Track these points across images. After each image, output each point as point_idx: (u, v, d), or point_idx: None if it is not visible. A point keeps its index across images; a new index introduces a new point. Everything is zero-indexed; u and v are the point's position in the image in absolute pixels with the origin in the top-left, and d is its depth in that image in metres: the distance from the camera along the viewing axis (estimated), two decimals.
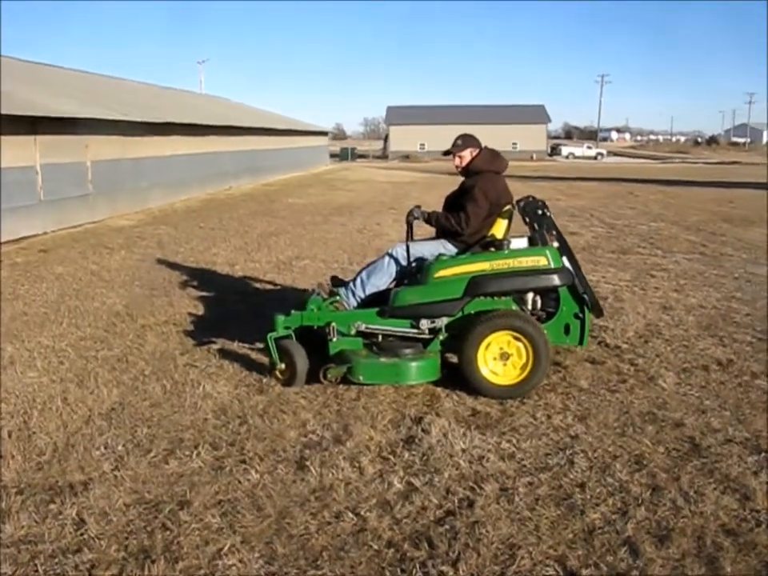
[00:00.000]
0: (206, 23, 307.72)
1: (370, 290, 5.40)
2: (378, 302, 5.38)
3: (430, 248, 5.38)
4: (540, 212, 5.28)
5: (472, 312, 5.11)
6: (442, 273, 5.08)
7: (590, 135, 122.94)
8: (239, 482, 3.78)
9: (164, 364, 5.71)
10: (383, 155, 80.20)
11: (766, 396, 5.03)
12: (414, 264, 5.32)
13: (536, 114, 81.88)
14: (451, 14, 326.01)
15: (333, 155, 56.10)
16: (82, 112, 14.93)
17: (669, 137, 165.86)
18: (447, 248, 5.36)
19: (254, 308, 7.59)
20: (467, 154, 5.52)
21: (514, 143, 78.61)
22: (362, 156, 77.51)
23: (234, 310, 7.44)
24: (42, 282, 8.84)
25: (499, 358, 5.05)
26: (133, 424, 4.52)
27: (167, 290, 8.38)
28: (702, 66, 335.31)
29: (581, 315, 5.24)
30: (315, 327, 5.33)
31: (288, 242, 12.44)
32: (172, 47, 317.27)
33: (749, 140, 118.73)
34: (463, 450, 4.17)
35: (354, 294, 5.43)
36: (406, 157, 71.55)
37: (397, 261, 5.36)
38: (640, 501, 3.60)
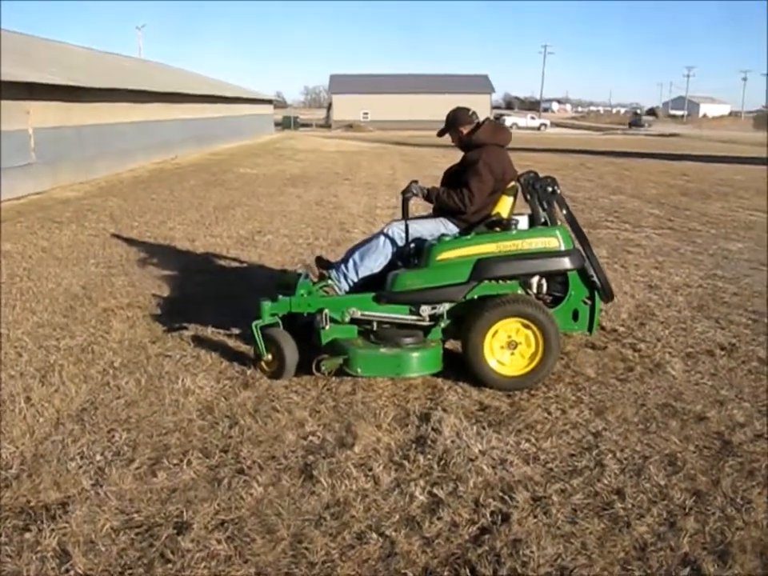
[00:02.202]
0: None
1: (363, 272, 4.96)
2: (370, 286, 4.95)
3: (429, 227, 4.95)
4: (550, 189, 4.90)
5: (476, 297, 4.73)
6: (445, 255, 4.66)
7: (531, 106, 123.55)
8: (241, 497, 3.34)
9: (134, 354, 5.19)
10: (326, 124, 79.10)
11: None
12: (412, 245, 4.89)
13: (480, 84, 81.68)
14: None
15: (276, 124, 54.87)
16: (21, 75, 13.93)
17: (609, 108, 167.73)
18: (448, 227, 4.94)
19: (223, 288, 7.08)
20: (457, 133, 5.11)
21: None
22: (304, 125, 76.21)
23: (201, 291, 6.92)
24: None
25: (506, 347, 4.69)
26: (109, 427, 4.01)
27: (126, 269, 7.79)
28: (641, 39, 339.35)
29: (590, 300, 4.90)
30: (305, 314, 4.89)
31: (246, 215, 11.86)
32: (104, 10, 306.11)
33: (686, 113, 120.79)
34: (482, 453, 3.81)
35: (345, 278, 4.98)
36: (350, 126, 70.49)
37: (393, 241, 4.92)
38: (686, 510, 3.30)
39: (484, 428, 4.11)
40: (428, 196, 4.97)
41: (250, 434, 3.96)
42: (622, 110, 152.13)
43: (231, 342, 5.46)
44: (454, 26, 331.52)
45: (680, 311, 6.55)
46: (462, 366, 4.78)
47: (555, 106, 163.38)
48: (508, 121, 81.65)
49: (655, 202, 14.54)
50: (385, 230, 4.95)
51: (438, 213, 5.06)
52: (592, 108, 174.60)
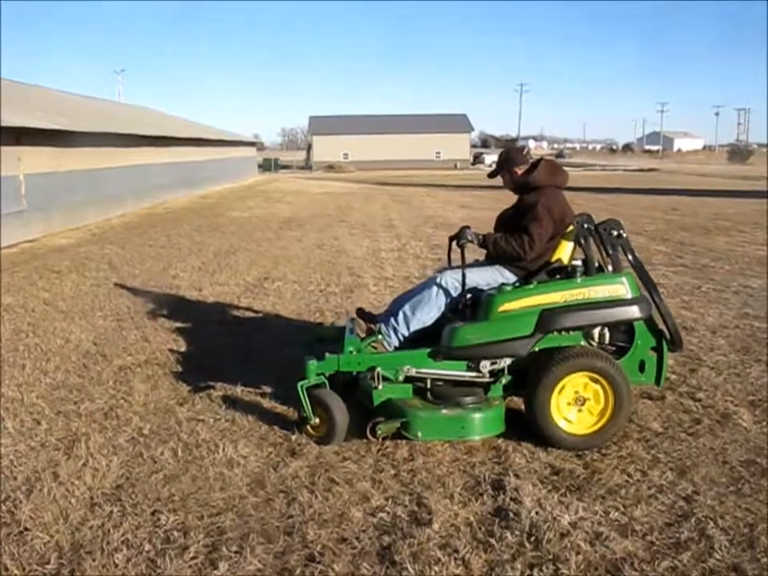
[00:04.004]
0: (112, 28, 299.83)
1: (415, 326, 4.60)
2: (420, 340, 4.60)
3: (485, 276, 4.61)
4: (615, 233, 4.60)
5: (537, 350, 4.39)
6: (507, 306, 4.31)
7: (507, 144, 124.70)
8: None
9: (163, 419, 4.78)
10: (307, 165, 79.33)
11: None
12: (468, 296, 4.54)
13: (459, 123, 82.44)
14: (368, 24, 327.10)
15: (257, 166, 54.82)
16: (11, 120, 13.57)
17: (584, 144, 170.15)
18: (505, 276, 4.61)
19: (241, 340, 6.70)
20: (511, 174, 4.81)
21: (437, 152, 79.02)
22: (284, 167, 76.46)
23: (220, 345, 6.52)
24: None
25: (574, 403, 4.34)
26: (152, 508, 3.59)
27: (136, 321, 7.37)
28: (614, 76, 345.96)
29: (658, 350, 4.58)
30: (355, 373, 4.52)
31: (249, 261, 11.50)
32: (83, 56, 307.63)
33: (661, 147, 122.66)
34: (572, 525, 3.44)
35: (396, 332, 4.62)
36: (331, 167, 70.67)
37: (447, 291, 4.57)
38: None
39: (565, 495, 3.74)
40: (484, 243, 4.63)
41: (311, 512, 3.56)
42: (598, 146, 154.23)
43: (266, 403, 5.07)
44: (429, 64, 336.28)
45: (726, 355, 6.26)
46: (522, 424, 4.43)
47: (532, 143, 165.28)
48: (488, 159, 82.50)
49: (659, 239, 14.36)
50: (438, 280, 4.59)
51: (491, 260, 4.72)
52: (568, 145, 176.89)
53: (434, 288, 4.58)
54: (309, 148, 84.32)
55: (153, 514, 3.54)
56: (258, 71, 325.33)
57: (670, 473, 4.00)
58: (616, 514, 3.56)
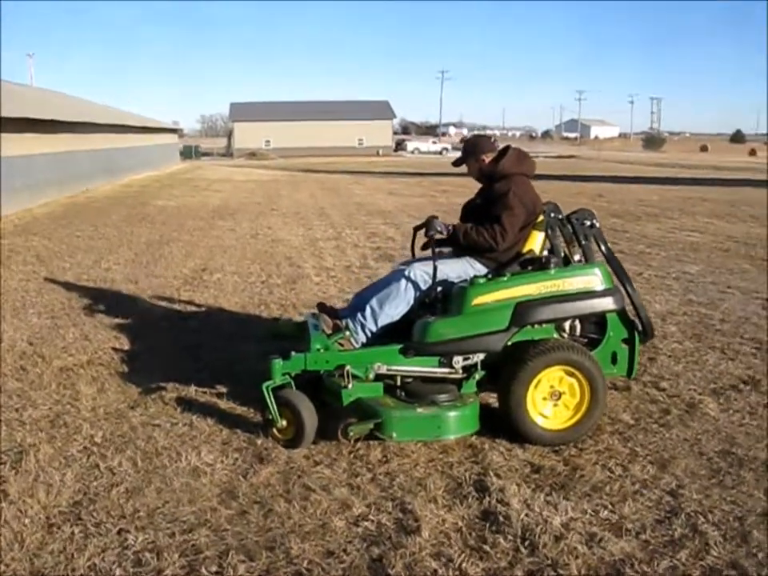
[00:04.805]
0: (25, 11, 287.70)
1: (383, 321, 4.40)
2: (388, 336, 4.42)
3: (455, 268, 4.44)
4: (588, 223, 4.51)
5: (510, 344, 4.26)
6: (481, 299, 4.16)
7: (427, 130, 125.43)
8: None
9: (115, 426, 4.46)
10: (228, 153, 78.00)
11: None
12: (438, 288, 4.37)
13: (381, 110, 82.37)
14: (288, 9, 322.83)
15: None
16: None
17: (504, 131, 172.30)
18: (476, 267, 4.44)
19: (188, 336, 6.39)
20: (477, 163, 4.66)
21: (360, 139, 78.82)
22: (205, 154, 74.98)
23: (166, 342, 6.19)
24: None
25: (549, 398, 4.24)
26: (117, 527, 3.30)
27: (73, 318, 6.94)
28: (534, 64, 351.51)
29: (630, 341, 4.51)
30: (322, 372, 4.31)
31: (184, 252, 11.09)
32: None
33: (579, 135, 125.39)
34: (565, 527, 3.32)
35: (363, 328, 4.41)
36: (253, 154, 69.58)
37: (416, 285, 4.38)
38: None
39: (550, 495, 3.63)
40: (453, 234, 4.45)
41: (291, 524, 3.34)
42: (517, 134, 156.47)
43: (223, 404, 4.80)
44: (352, 51, 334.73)
45: (680, 342, 6.31)
46: (494, 420, 4.32)
47: (452, 129, 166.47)
48: (410, 146, 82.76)
49: None
50: (406, 273, 4.40)
51: (460, 252, 4.55)
52: (488, 131, 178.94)
53: (403, 281, 4.38)
54: (230, 135, 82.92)
55: (119, 533, 3.25)
56: (176, 57, 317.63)
57: (651, 467, 3.95)
58: (605, 512, 3.47)
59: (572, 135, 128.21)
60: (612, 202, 19.82)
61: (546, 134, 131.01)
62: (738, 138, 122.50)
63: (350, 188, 26.40)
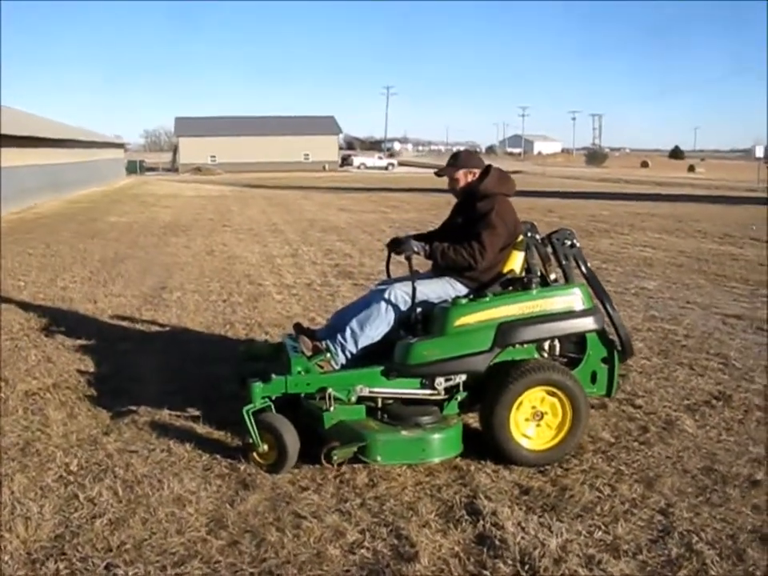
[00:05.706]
0: None
1: (363, 342, 4.34)
2: (367, 357, 4.36)
3: (435, 288, 4.40)
4: (569, 243, 4.54)
5: (491, 364, 4.24)
6: (463, 320, 4.14)
7: (372, 146, 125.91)
8: None
9: (91, 453, 4.30)
10: (173, 168, 77.21)
11: None
12: (418, 309, 4.33)
13: (327, 125, 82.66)
14: (232, 23, 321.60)
15: None
16: None
17: (448, 147, 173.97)
18: (456, 288, 4.42)
19: (154, 358, 6.25)
20: (461, 177, 4.65)
21: (305, 154, 78.93)
22: (150, 169, 74.14)
23: (133, 364, 6.03)
24: None
25: (532, 418, 4.24)
26: (104, 561, 3.16)
27: (33, 340, 6.72)
28: (477, 80, 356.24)
29: (609, 360, 4.54)
30: (303, 395, 4.23)
31: (140, 269, 10.88)
32: None
33: (523, 150, 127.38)
34: (562, 549, 3.31)
35: (344, 349, 4.35)
36: (198, 169, 69.00)
37: (396, 306, 4.34)
38: None
39: (542, 516, 3.62)
40: (431, 253, 4.42)
41: (286, 554, 3.25)
42: (462, 149, 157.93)
43: (199, 428, 4.69)
44: (296, 66, 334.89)
45: (649, 359, 6.38)
46: (477, 440, 4.30)
47: (397, 145, 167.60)
48: (356, 161, 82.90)
49: None
50: (386, 294, 4.34)
51: (439, 272, 4.53)
52: (432, 147, 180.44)
53: (383, 303, 4.33)
54: (175, 150, 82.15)
55: (107, 568, 3.12)
56: (118, 69, 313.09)
57: (638, 485, 3.97)
58: (600, 533, 3.47)
59: (516, 150, 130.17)
60: (563, 217, 20.11)
61: (491, 150, 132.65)
62: (676, 154, 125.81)
63: (299, 203, 26.29)
